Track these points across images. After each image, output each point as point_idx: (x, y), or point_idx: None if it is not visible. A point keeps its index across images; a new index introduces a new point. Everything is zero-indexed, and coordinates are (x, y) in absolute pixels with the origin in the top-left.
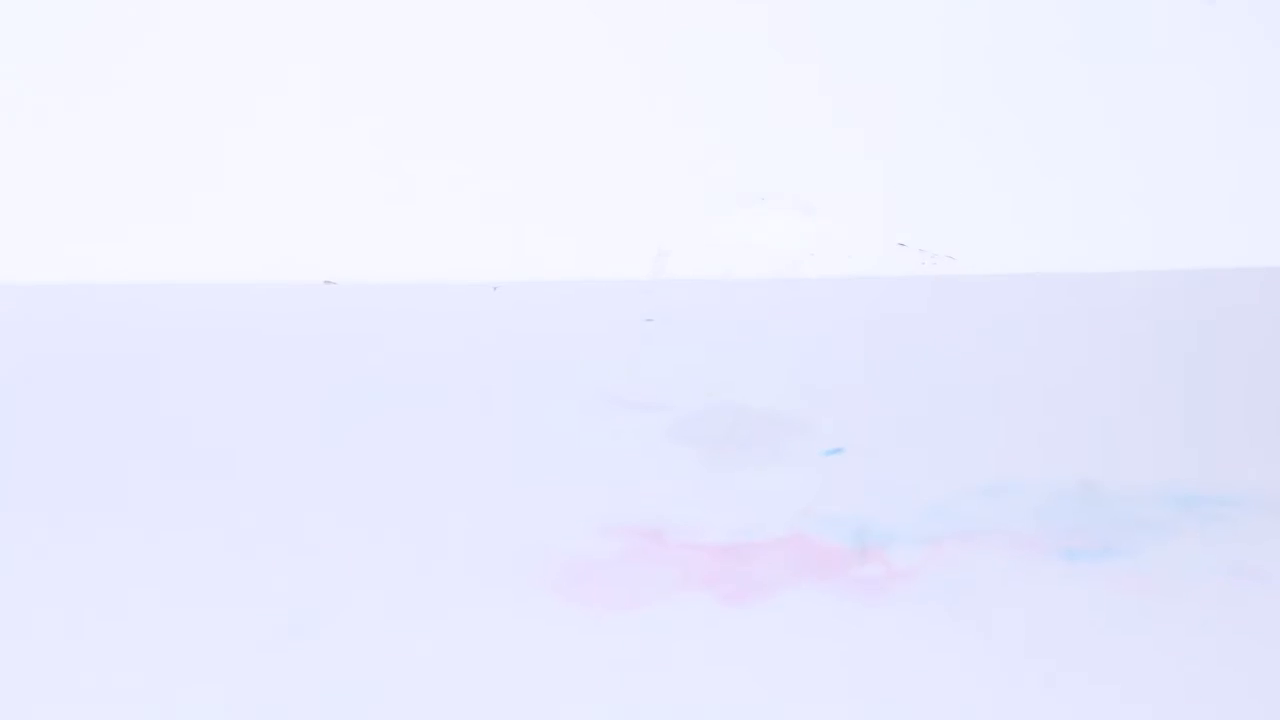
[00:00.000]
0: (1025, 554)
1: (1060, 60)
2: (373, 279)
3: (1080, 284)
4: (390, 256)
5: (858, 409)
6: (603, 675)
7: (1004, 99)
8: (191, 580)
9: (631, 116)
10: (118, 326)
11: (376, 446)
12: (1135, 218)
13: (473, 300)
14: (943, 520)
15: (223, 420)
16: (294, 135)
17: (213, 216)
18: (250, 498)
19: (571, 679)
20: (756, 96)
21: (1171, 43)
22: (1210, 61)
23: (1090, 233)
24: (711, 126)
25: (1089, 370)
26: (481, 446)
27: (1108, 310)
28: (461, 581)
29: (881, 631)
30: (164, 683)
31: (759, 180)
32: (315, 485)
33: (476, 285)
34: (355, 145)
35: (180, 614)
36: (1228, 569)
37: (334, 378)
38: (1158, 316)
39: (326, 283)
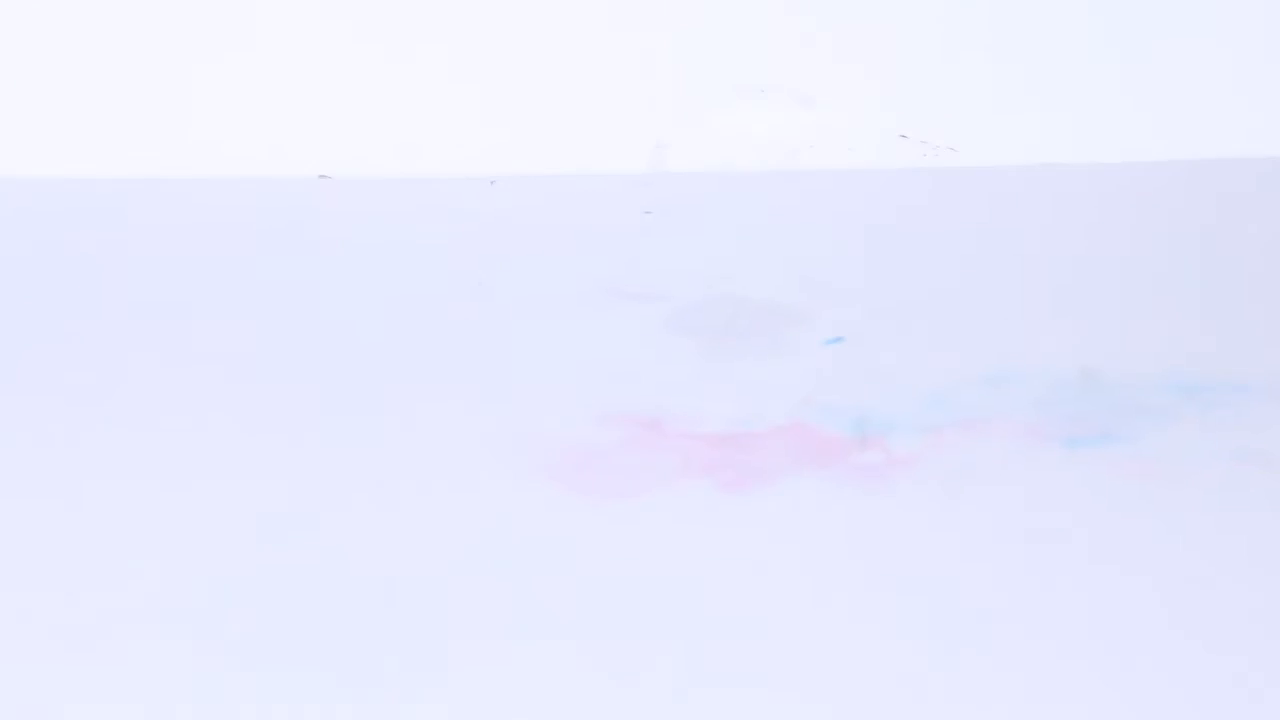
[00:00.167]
0: (1025, 441)
1: None
2: (368, 173)
3: (1083, 175)
4: (386, 150)
5: (858, 300)
6: (601, 562)
7: None
8: (187, 472)
9: (629, 9)
10: (110, 221)
11: (373, 340)
12: (1136, 108)
13: (470, 195)
14: (943, 409)
15: (216, 316)
16: (289, 27)
17: (206, 110)
18: (245, 392)
19: (569, 567)
20: None
21: None
22: None
23: (1092, 124)
24: (710, 18)
25: (1091, 260)
26: (479, 338)
27: (1109, 201)
28: (460, 471)
29: (881, 518)
30: (155, 573)
31: (757, 72)
32: (311, 378)
33: (474, 179)
34: (351, 38)
35: (177, 504)
36: (1230, 455)
37: (329, 272)
38: (1160, 207)
39: (321, 177)
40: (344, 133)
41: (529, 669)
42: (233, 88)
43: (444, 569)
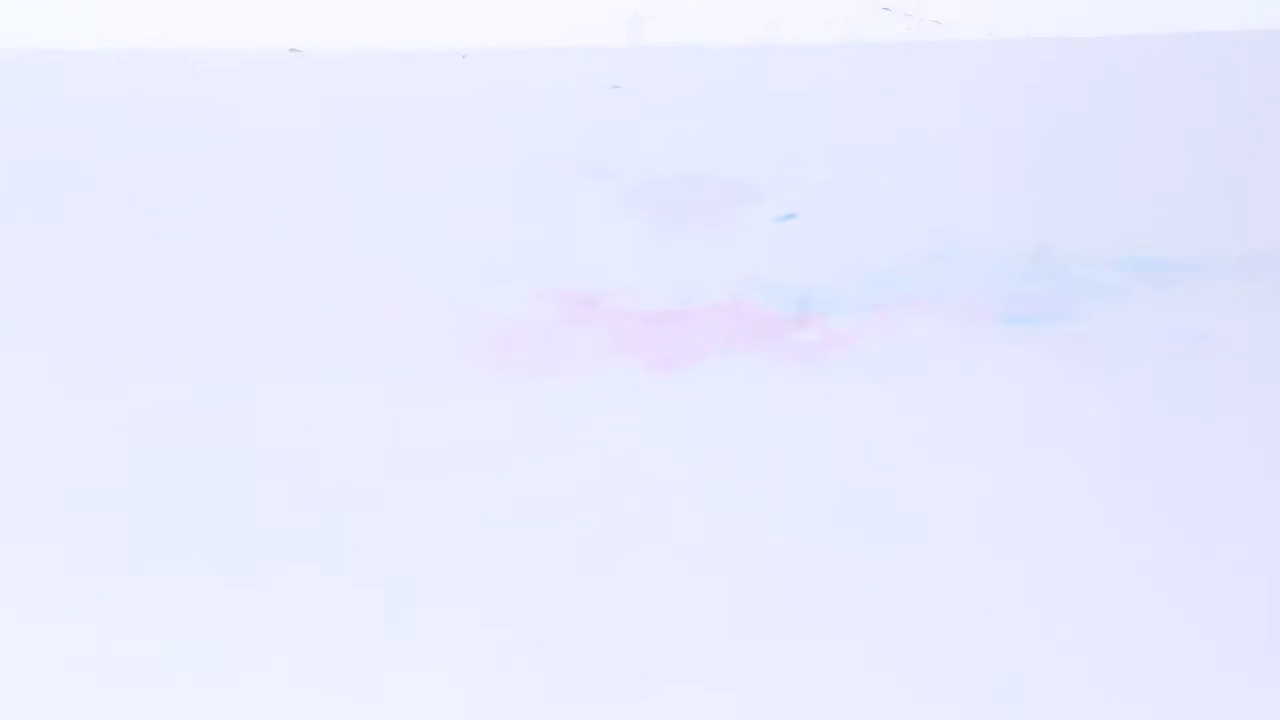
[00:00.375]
0: (966, 319)
1: None
2: (339, 46)
3: (1060, 49)
4: (358, 24)
5: (819, 176)
6: (524, 441)
7: None
8: (124, 340)
9: None
10: (79, 94)
11: (323, 211)
12: None
13: (442, 69)
14: (887, 286)
15: (180, 188)
16: None
17: None
18: (193, 262)
19: (494, 446)
20: None
21: None
22: None
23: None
24: None
25: (1055, 136)
26: (429, 213)
27: (1082, 76)
28: (389, 345)
29: (811, 397)
30: (83, 444)
31: None
32: (262, 248)
33: (445, 53)
34: None
35: (108, 373)
36: (1179, 334)
37: (296, 145)
38: (1128, 82)
39: (292, 50)
40: (314, 6)
41: (454, 548)
42: None
43: (368, 444)
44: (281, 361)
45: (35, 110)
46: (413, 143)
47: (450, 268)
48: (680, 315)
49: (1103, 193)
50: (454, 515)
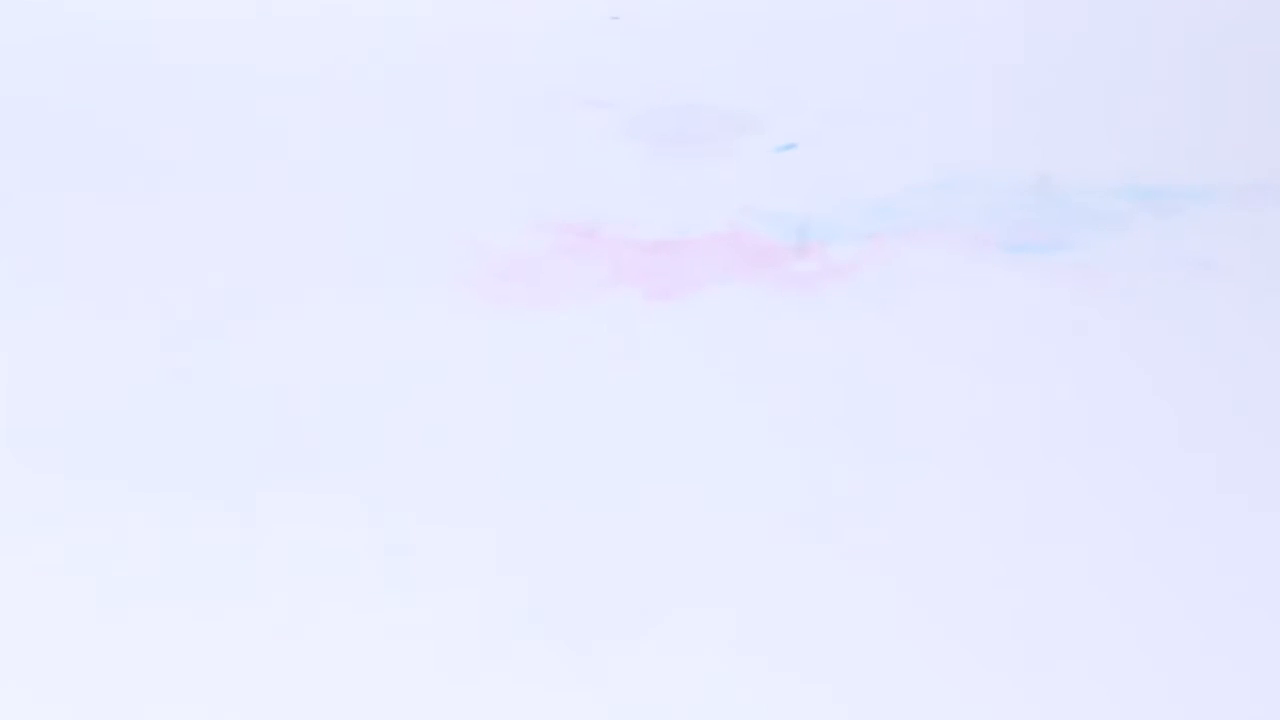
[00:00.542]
0: (967, 248)
1: None
2: None
3: None
4: None
5: (819, 106)
6: (526, 371)
7: None
8: (127, 266)
9: None
10: (72, 23)
11: (319, 142)
12: None
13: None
14: (887, 216)
15: (176, 117)
16: None
17: None
18: (197, 193)
19: (493, 376)
20: None
21: None
22: None
23: None
24: None
25: (1062, 65)
26: (427, 142)
27: (1084, 4)
28: (388, 276)
29: (809, 326)
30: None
31: None
32: (257, 178)
33: None
34: None
35: (96, 303)
36: (1181, 261)
37: (293, 75)
38: (1130, 11)
39: None
40: None
41: (454, 476)
42: None
43: (368, 374)
44: (279, 291)
45: (32, 41)
46: (411, 74)
47: (448, 198)
48: (679, 245)
49: (1104, 121)
50: (454, 444)
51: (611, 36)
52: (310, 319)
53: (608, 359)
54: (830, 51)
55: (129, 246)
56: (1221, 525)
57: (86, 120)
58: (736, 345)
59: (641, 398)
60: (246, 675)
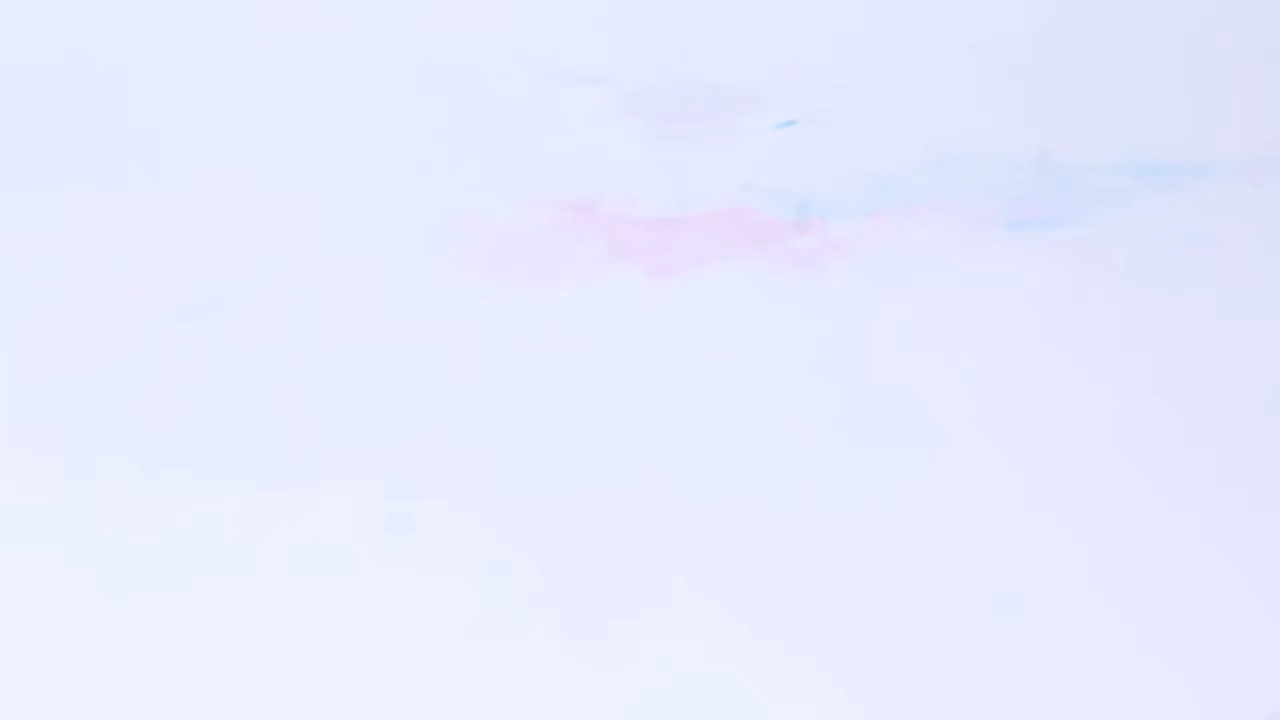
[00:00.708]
0: (968, 225)
1: None
2: None
3: None
4: None
5: (819, 81)
6: (525, 349)
7: None
8: (130, 245)
9: None
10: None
11: (318, 119)
12: None
13: None
14: (888, 192)
15: (178, 95)
16: None
17: None
18: (199, 172)
19: (492, 353)
20: None
21: None
22: None
23: None
24: None
25: (1063, 40)
26: (422, 118)
27: None
28: (387, 254)
29: (810, 303)
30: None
31: None
32: (257, 157)
33: None
34: None
35: (100, 282)
36: (1182, 237)
37: (291, 53)
38: None
39: None
40: None
41: (453, 454)
42: None
43: (367, 352)
44: (277, 271)
45: (30, 22)
46: (410, 52)
47: (447, 175)
48: (679, 222)
49: (1105, 97)
50: (453, 422)
51: (610, 13)
52: (310, 298)
53: (608, 336)
54: (830, 28)
55: (128, 228)
56: (1225, 505)
57: (85, 101)
58: (737, 322)
59: (642, 375)
60: (249, 658)
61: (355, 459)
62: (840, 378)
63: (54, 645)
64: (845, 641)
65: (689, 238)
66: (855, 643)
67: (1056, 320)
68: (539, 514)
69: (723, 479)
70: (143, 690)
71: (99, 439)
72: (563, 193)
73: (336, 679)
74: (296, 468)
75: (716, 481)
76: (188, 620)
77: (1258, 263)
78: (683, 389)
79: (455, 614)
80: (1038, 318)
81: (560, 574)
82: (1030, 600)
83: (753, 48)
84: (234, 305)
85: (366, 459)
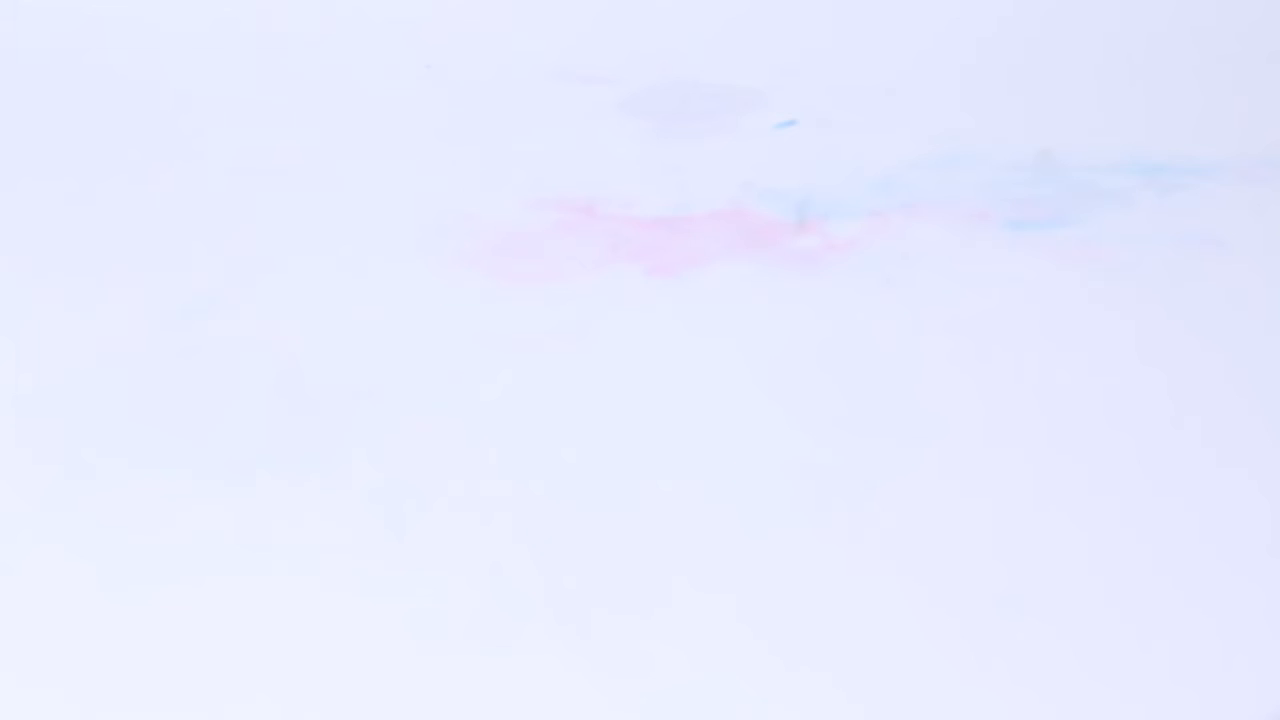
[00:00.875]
0: (969, 225)
1: None
2: None
3: None
4: None
5: (819, 80)
6: (525, 348)
7: None
8: (125, 244)
9: None
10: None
11: (318, 119)
12: None
13: None
14: (889, 192)
15: (174, 94)
16: None
17: None
18: (197, 170)
19: (493, 352)
20: None
21: None
22: None
23: None
24: None
25: (1064, 39)
26: (422, 119)
27: None
28: (388, 253)
29: (810, 303)
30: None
31: None
32: (255, 157)
33: None
34: None
35: (103, 279)
36: (1184, 238)
37: (290, 53)
38: None
39: None
40: None
41: (454, 452)
42: None
43: (368, 351)
44: (278, 269)
45: (31, 19)
46: (411, 51)
47: (447, 174)
48: (679, 221)
49: (1107, 97)
50: (453, 421)
51: (611, 13)
52: (310, 297)
53: (608, 336)
54: (831, 27)
55: (128, 226)
56: (1227, 504)
57: (85, 100)
58: (737, 322)
59: (642, 375)
60: (249, 656)
61: (355, 458)
62: (840, 377)
63: (54, 643)
64: (846, 641)
65: (689, 237)
66: (856, 642)
67: (1057, 320)
68: (539, 514)
69: (723, 478)
70: (143, 688)
71: (99, 437)
72: (563, 192)
73: (336, 678)
74: (296, 467)
75: (716, 481)
76: (186, 618)
77: (1259, 263)
78: (683, 388)
79: (455, 614)
80: (1038, 318)
81: (560, 574)
82: (1031, 599)
83: (753, 48)
84: (235, 304)
85: (366, 458)
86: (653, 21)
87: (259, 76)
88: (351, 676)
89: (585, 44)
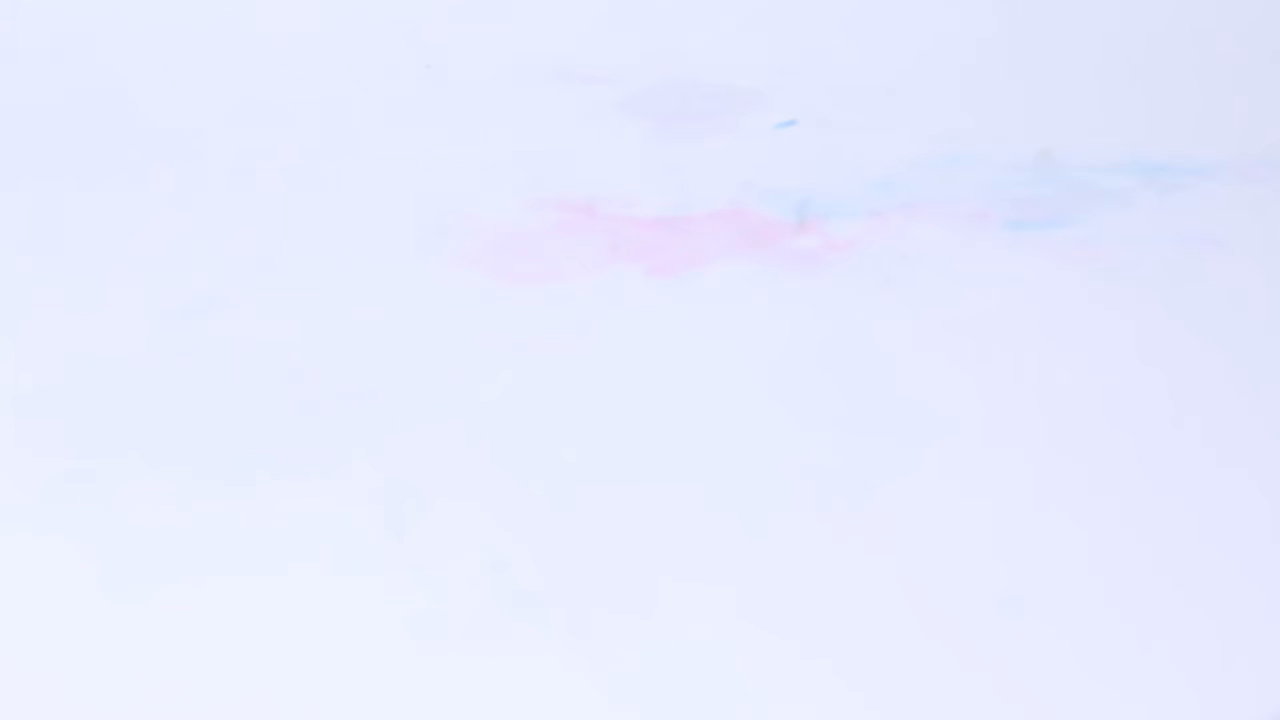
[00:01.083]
0: (968, 224)
1: None
2: None
3: None
4: None
5: (819, 81)
6: (525, 347)
7: None
8: (126, 244)
9: None
10: (76, 7)
11: (318, 119)
12: None
13: None
14: (889, 192)
15: (175, 96)
16: None
17: None
18: (198, 170)
19: (492, 351)
20: None
21: None
22: None
23: None
24: None
25: (1063, 40)
26: (428, 119)
27: None
28: (389, 253)
29: (810, 303)
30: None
31: None
32: (254, 158)
33: None
34: None
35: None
36: (1184, 237)
37: (290, 52)
38: None
39: None
40: None
41: (454, 451)
42: None
43: (369, 350)
44: (279, 269)
45: (32, 19)
46: (411, 51)
47: (448, 174)
48: (679, 221)
49: (1107, 97)
50: (453, 420)
51: (611, 13)
52: (311, 297)
53: (608, 336)
54: (830, 27)
55: (130, 227)
56: (1226, 504)
57: (87, 101)
58: (737, 322)
59: (641, 374)
60: (249, 655)
61: (356, 457)
62: (840, 377)
63: (56, 643)
64: (846, 641)
65: (689, 237)
66: (856, 642)
67: (1057, 320)
68: (539, 513)
69: (722, 479)
70: (145, 687)
71: (99, 437)
72: (563, 192)
73: (336, 677)
74: (297, 466)
75: (716, 481)
76: (187, 617)
77: (1259, 263)
78: (683, 388)
79: (455, 613)
80: (1038, 318)
81: (560, 574)
82: (1031, 599)
83: (753, 48)
84: (235, 304)
85: (367, 457)
86: (652, 22)
87: (259, 77)
88: (352, 675)
89: (585, 44)
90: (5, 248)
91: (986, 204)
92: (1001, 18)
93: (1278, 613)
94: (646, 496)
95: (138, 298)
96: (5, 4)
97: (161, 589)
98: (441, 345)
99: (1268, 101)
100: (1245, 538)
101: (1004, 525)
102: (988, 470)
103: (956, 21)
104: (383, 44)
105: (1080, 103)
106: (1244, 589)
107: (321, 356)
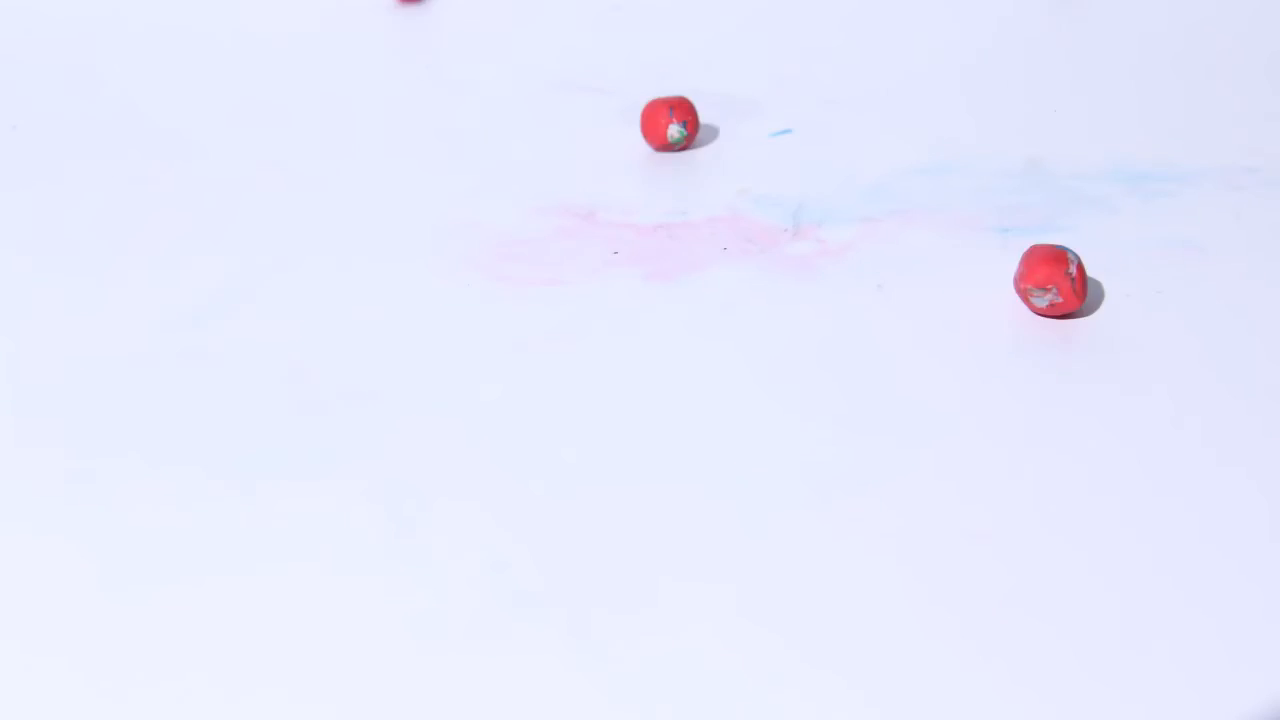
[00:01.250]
0: (958, 230)
1: None
2: None
3: None
4: None
5: (813, 90)
6: (526, 349)
7: None
8: (135, 247)
9: None
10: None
11: (326, 126)
12: None
13: None
14: (881, 199)
15: (186, 96)
16: None
17: None
18: (207, 175)
19: (493, 354)
20: None
21: None
22: None
23: None
24: None
25: (1051, 50)
26: (433, 129)
27: None
28: (392, 257)
29: (805, 307)
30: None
31: None
32: (257, 160)
33: None
34: None
35: (109, 279)
36: (1167, 243)
37: (299, 60)
38: None
39: None
40: None
41: (457, 451)
42: None
43: (373, 352)
44: (287, 272)
45: (36, 21)
46: (418, 62)
47: (451, 181)
48: (677, 227)
49: (1092, 107)
50: (454, 421)
51: (610, 25)
52: (316, 301)
53: (607, 340)
54: (825, 38)
55: (128, 224)
56: (1215, 504)
57: (90, 103)
58: (733, 326)
59: (640, 378)
60: (250, 652)
61: (358, 457)
62: (835, 379)
63: (58, 642)
64: (846, 639)
65: (686, 243)
66: (855, 639)
67: (1045, 324)
68: (539, 513)
69: (720, 479)
70: (146, 685)
71: (101, 438)
72: (564, 199)
73: (337, 675)
74: (299, 466)
75: (714, 481)
76: (187, 617)
77: (1240, 266)
78: (680, 390)
79: (455, 612)
80: (1027, 321)
81: (560, 573)
82: (1030, 599)
83: (749, 59)
84: (239, 306)
85: (369, 457)
86: (652, 33)
87: (265, 83)
88: (353, 675)
89: (585, 55)
90: (5, 248)
91: (976, 210)
92: (991, 31)
93: (1278, 612)
94: (646, 496)
95: (141, 299)
96: (5, 4)
97: (162, 589)
98: (442, 347)
99: (1247, 112)
100: (1241, 536)
101: (996, 523)
102: (980, 469)
103: (947, 35)
104: (388, 55)
105: (1066, 113)
106: (1243, 588)
107: (326, 358)
